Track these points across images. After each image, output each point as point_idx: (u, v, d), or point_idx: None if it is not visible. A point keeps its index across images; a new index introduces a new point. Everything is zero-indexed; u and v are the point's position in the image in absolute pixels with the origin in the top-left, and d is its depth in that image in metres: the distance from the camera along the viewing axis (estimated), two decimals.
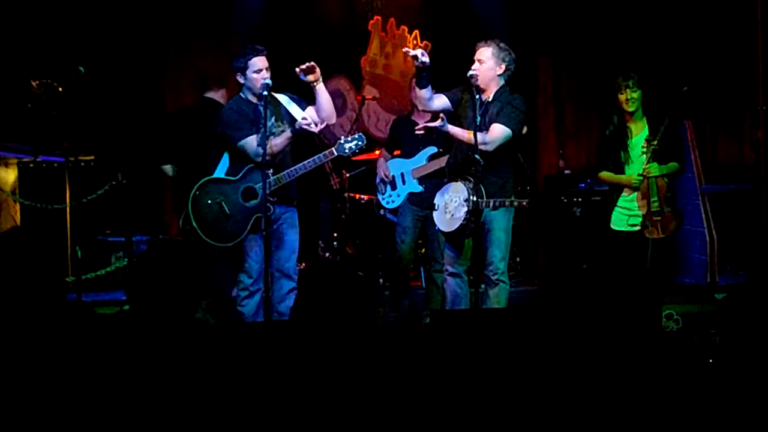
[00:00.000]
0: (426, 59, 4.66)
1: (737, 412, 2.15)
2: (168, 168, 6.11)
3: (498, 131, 4.76)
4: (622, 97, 5.18)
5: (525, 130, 5.11)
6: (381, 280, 6.95)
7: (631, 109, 5.18)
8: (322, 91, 4.85)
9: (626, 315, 2.29)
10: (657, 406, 2.14)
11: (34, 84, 6.50)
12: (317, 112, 4.87)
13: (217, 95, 5.98)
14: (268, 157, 4.68)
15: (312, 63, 4.80)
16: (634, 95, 5.16)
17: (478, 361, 3.16)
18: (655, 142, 5.05)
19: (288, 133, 4.81)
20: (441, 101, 4.93)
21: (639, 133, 5.21)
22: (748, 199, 6.65)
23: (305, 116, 4.82)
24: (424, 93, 4.82)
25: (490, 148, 4.73)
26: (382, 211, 6.71)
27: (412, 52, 4.68)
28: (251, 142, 4.79)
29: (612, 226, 5.27)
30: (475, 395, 2.19)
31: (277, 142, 4.78)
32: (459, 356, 3.48)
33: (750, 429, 2.14)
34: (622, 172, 5.25)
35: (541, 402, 2.16)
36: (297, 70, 4.80)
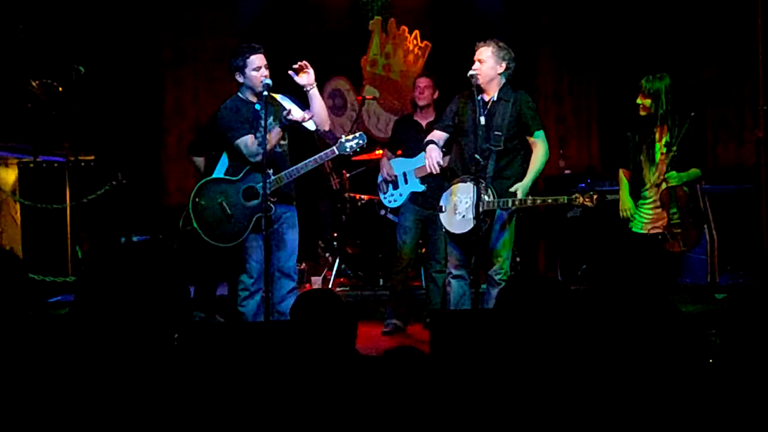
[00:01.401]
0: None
1: (737, 412, 2.16)
2: (199, 161, 6.04)
3: (539, 143, 4.83)
4: (638, 101, 5.06)
5: None
6: (381, 280, 6.95)
7: (641, 113, 5.07)
8: (316, 96, 4.83)
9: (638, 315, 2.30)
10: (658, 406, 2.14)
11: (34, 84, 6.50)
12: (311, 117, 4.84)
13: None
14: (263, 152, 4.64)
15: (304, 62, 4.79)
16: (646, 102, 5.02)
17: (478, 361, 3.16)
18: (674, 149, 4.94)
19: (277, 128, 4.76)
20: (442, 137, 5.04)
21: (663, 137, 5.06)
22: (748, 199, 6.65)
23: (304, 115, 4.81)
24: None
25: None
26: (383, 211, 6.71)
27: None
28: (245, 141, 4.76)
29: (633, 229, 5.12)
30: (476, 395, 2.19)
31: (268, 138, 4.73)
32: (459, 356, 3.48)
33: (750, 429, 2.14)
34: (642, 173, 5.11)
35: (543, 402, 2.16)
36: (290, 72, 4.79)
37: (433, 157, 4.83)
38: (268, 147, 4.68)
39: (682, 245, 4.99)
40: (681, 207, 4.97)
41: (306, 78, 4.81)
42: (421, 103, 5.99)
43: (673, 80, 5.03)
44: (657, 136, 5.09)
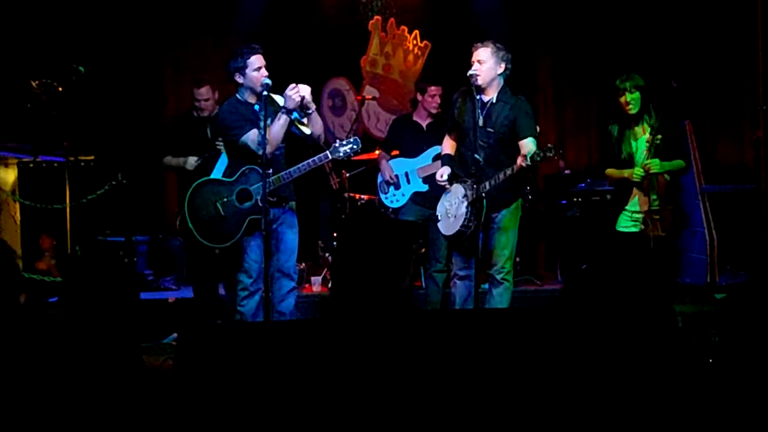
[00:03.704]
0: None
1: (737, 413, 2.16)
2: (169, 159, 5.98)
3: (529, 144, 4.75)
4: (622, 100, 5.10)
5: (538, 129, 5.11)
6: None
7: (632, 112, 5.09)
8: (316, 116, 4.88)
9: (637, 315, 2.29)
10: (658, 407, 2.14)
11: (34, 84, 6.50)
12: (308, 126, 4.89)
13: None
14: (269, 150, 4.63)
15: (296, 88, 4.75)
16: (634, 97, 5.06)
17: (478, 362, 3.16)
18: (659, 137, 4.98)
19: (282, 115, 4.72)
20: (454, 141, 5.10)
21: (642, 134, 5.12)
22: (748, 199, 6.65)
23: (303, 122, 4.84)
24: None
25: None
26: (382, 211, 6.71)
27: None
28: (252, 135, 4.74)
29: (617, 228, 5.17)
30: (475, 396, 2.19)
31: (275, 128, 4.70)
32: (459, 356, 3.47)
33: (750, 429, 2.14)
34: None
35: (541, 403, 2.16)
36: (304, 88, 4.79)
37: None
38: (276, 137, 4.68)
39: (660, 230, 5.05)
40: (660, 194, 5.04)
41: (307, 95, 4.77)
42: (433, 110, 5.99)
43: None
44: (636, 133, 5.12)
